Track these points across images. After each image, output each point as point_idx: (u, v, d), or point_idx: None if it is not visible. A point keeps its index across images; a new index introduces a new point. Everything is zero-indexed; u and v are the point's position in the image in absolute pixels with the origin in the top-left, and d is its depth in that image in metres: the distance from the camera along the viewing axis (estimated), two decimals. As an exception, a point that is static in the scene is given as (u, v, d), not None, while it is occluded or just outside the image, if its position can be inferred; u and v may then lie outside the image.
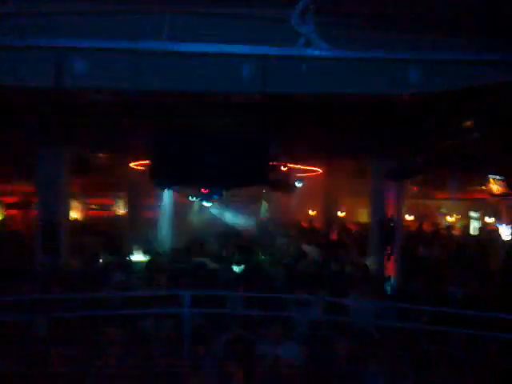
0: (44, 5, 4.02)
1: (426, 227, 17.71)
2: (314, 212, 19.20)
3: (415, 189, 17.20)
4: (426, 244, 13.29)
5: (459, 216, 19.93)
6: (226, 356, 5.16)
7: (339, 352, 4.97)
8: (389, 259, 10.41)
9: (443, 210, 20.57)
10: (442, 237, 15.40)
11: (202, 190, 11.35)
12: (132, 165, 12.63)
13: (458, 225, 19.31)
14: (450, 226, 16.74)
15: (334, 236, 15.51)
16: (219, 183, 9.16)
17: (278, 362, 5.10)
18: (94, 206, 17.95)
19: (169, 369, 5.20)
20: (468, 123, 7.11)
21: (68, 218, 11.03)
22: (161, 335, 5.90)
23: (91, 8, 4.08)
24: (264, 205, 17.83)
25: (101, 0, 3.95)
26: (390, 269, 10.33)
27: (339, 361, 4.92)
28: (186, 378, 5.03)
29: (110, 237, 12.99)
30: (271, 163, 10.03)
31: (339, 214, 17.58)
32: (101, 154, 11.74)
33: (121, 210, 17.59)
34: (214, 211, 16.90)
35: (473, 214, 19.54)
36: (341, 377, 4.59)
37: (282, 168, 11.93)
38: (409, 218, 18.41)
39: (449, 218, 19.88)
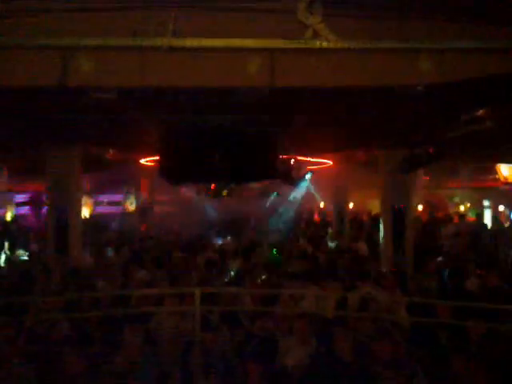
0: (45, 2, 3.97)
1: (439, 217, 17.55)
2: (324, 204, 19.12)
3: (427, 178, 17.05)
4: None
5: (472, 205, 19.72)
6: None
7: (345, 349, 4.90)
8: (398, 252, 10.33)
9: (456, 200, 20.37)
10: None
11: (212, 185, 11.31)
12: (142, 161, 12.62)
13: (471, 214, 19.10)
14: (463, 215, 16.53)
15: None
16: (228, 179, 9.14)
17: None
18: (104, 203, 17.99)
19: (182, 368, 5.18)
20: (481, 112, 6.98)
21: (79, 215, 11.03)
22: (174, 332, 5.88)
23: (94, 5, 4.03)
24: (275, 197, 17.80)
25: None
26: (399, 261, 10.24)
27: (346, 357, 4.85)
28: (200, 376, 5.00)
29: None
30: (280, 156, 9.97)
31: (350, 205, 17.48)
32: (110, 151, 11.72)
33: (131, 206, 17.62)
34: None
35: (486, 202, 19.33)
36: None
37: (292, 161, 11.86)
38: (420, 208, 18.27)
39: (461, 208, 19.68)
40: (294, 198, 17.25)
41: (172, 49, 4.21)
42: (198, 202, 15.87)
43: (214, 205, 16.48)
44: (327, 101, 5.87)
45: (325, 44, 4.43)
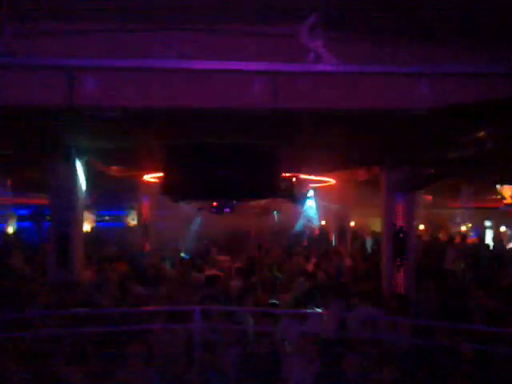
0: (54, 24, 4.06)
1: (442, 237, 17.49)
2: (324, 222, 19.08)
3: (429, 198, 17.05)
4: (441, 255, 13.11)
5: (474, 225, 19.68)
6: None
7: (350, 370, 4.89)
8: (398, 271, 10.26)
9: (457, 220, 20.33)
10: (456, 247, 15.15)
11: (214, 203, 11.36)
12: (146, 177, 12.68)
13: (473, 234, 19.07)
14: (465, 236, 16.48)
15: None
16: (230, 196, 9.19)
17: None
18: (106, 218, 18.04)
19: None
20: (480, 135, 7.02)
21: (81, 230, 11.03)
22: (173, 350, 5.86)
23: (101, 27, 4.11)
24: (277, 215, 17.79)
25: (110, 19, 3.98)
26: (401, 281, 10.17)
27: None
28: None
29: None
30: (282, 175, 10.03)
31: (351, 223, 17.46)
32: (113, 167, 11.79)
33: (133, 221, 17.62)
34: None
35: (487, 223, 19.32)
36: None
37: (294, 179, 11.89)
38: (422, 227, 18.23)
39: (463, 228, 19.64)
40: (296, 215, 17.25)
41: (177, 70, 4.29)
42: (199, 219, 15.88)
43: (215, 221, 16.48)
44: (328, 122, 5.92)
45: (327, 67, 4.51)
